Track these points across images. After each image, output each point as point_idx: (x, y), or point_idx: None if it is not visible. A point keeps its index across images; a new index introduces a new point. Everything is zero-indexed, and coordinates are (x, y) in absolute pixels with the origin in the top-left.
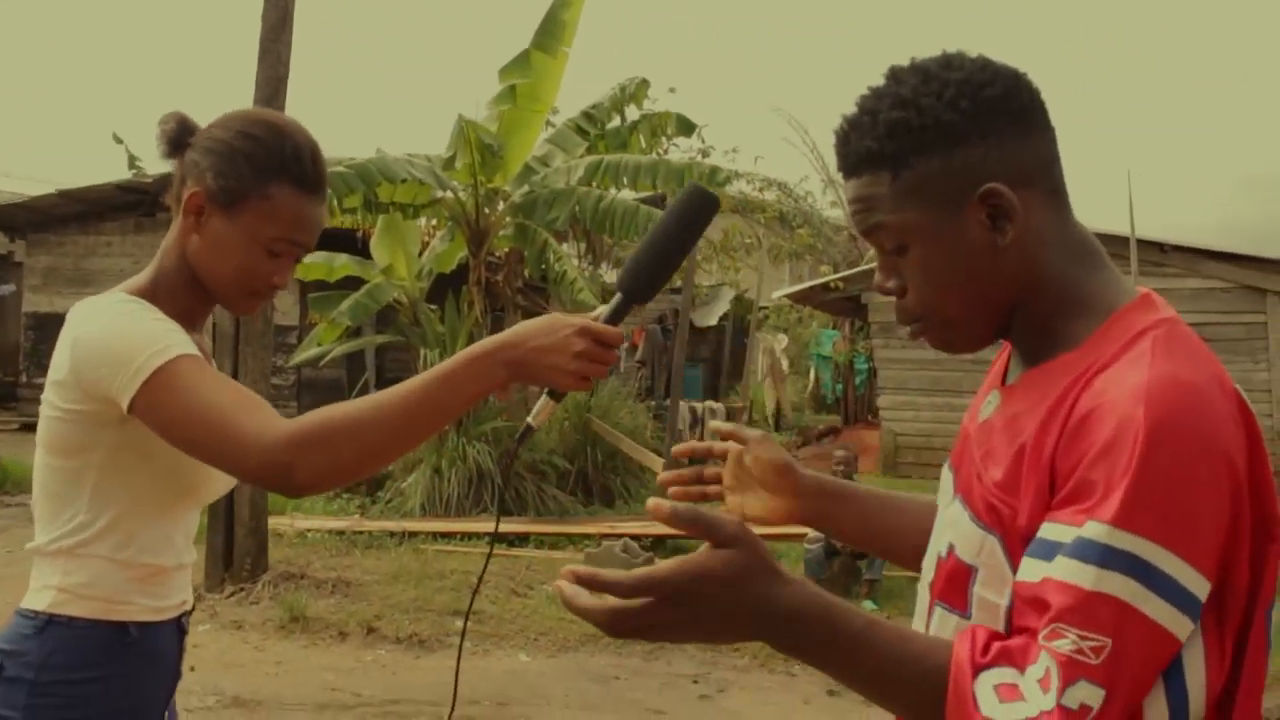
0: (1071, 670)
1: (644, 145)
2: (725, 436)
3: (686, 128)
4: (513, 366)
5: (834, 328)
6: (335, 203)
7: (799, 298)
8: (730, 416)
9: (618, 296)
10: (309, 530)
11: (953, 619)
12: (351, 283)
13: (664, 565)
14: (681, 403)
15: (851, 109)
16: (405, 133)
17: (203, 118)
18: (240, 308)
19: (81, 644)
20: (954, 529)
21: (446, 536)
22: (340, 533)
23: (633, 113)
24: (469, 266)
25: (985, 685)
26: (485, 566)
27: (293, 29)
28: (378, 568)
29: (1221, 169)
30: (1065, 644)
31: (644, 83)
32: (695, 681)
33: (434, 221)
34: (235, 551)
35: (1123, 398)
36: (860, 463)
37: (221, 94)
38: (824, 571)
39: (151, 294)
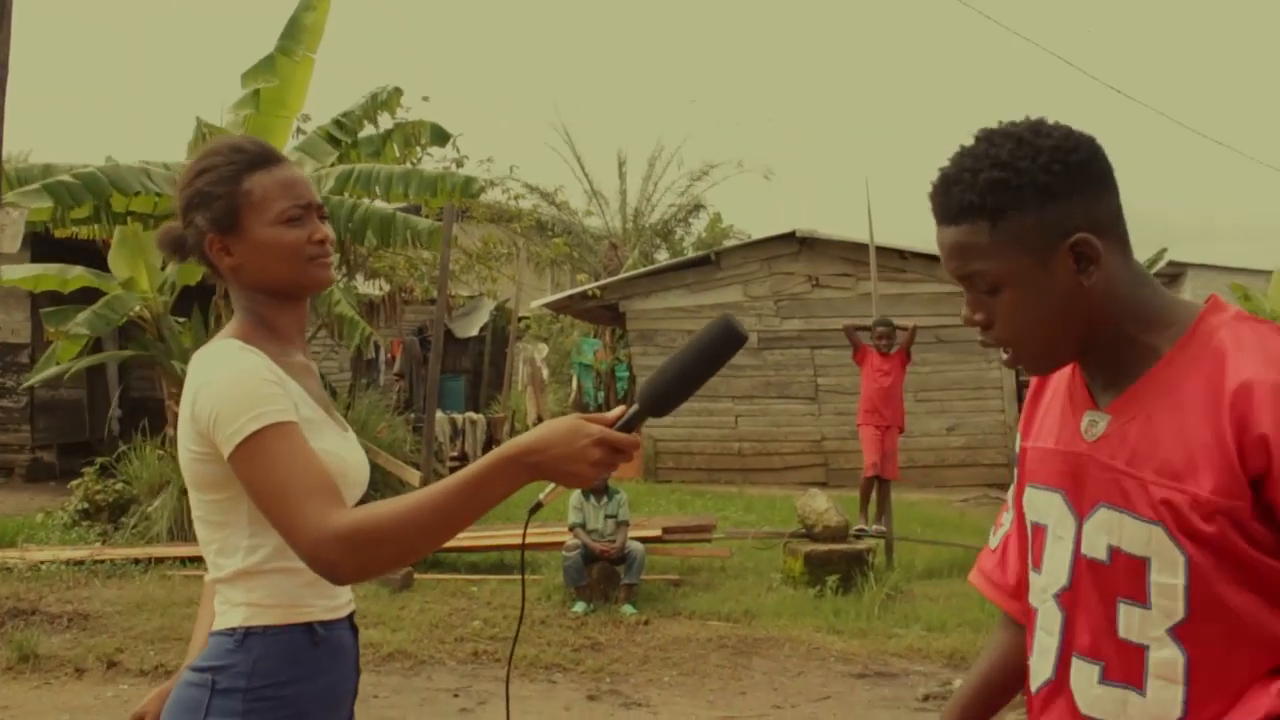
0: None
1: (398, 154)
2: None
3: (441, 137)
4: (536, 469)
5: (595, 336)
6: (62, 214)
7: (559, 307)
8: (491, 426)
9: (635, 407)
10: (43, 562)
11: (1137, 611)
12: (88, 295)
13: None
14: (442, 414)
15: (948, 165)
16: (139, 139)
17: None
18: (315, 279)
19: (280, 648)
20: (1109, 533)
21: (196, 560)
22: (79, 563)
23: (386, 121)
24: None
25: None
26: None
27: (11, 23)
28: (120, 598)
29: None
30: None
31: (396, 91)
32: (455, 695)
33: None
34: None
35: (1262, 372)
36: (622, 469)
37: None
38: (583, 578)
39: (253, 332)
